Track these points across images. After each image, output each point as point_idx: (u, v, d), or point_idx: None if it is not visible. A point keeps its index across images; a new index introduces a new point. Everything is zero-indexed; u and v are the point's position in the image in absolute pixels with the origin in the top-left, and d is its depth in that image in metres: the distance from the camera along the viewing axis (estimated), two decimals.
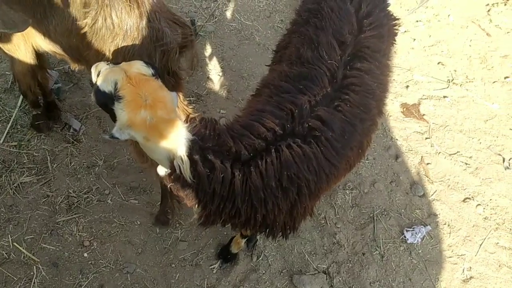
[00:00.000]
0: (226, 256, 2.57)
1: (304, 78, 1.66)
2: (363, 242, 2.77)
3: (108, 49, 1.72)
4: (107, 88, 1.34)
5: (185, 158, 1.34)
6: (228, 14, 3.74)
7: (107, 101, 1.35)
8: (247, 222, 1.59)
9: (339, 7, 1.88)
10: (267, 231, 1.78)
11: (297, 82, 1.67)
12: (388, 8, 2.08)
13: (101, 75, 1.38)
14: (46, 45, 2.04)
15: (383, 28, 1.91)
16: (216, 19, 3.69)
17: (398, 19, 2.15)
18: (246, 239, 2.47)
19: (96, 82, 1.40)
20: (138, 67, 1.37)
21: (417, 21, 4.02)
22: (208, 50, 3.47)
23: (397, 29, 2.12)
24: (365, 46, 1.77)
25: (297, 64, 1.75)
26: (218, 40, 3.53)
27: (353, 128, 1.65)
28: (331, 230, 2.78)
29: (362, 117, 1.69)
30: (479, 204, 3.00)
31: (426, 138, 3.28)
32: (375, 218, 2.86)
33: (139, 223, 2.64)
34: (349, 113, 1.63)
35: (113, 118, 1.38)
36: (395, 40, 2.11)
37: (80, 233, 2.55)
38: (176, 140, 1.33)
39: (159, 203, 2.61)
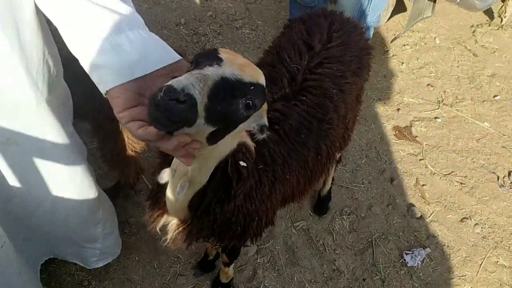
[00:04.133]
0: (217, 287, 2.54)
1: None
2: (363, 267, 2.76)
3: None
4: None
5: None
6: (219, 47, 3.80)
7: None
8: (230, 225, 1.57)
9: (311, 23, 2.00)
10: (242, 235, 1.72)
11: None
12: (358, 26, 2.18)
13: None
14: None
15: (350, 37, 1.99)
16: None
17: (364, 30, 2.26)
18: (231, 266, 2.44)
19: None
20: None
21: (404, 45, 4.10)
22: None
23: (366, 41, 2.19)
24: (331, 55, 1.86)
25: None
26: None
27: (310, 125, 1.71)
28: (330, 256, 2.77)
29: (319, 117, 1.74)
30: (476, 224, 3.01)
31: (420, 160, 3.31)
32: (373, 242, 2.86)
33: (137, 259, 2.63)
34: (305, 112, 1.70)
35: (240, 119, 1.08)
36: (368, 53, 2.16)
37: (78, 273, 2.53)
38: None
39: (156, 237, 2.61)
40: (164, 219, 1.54)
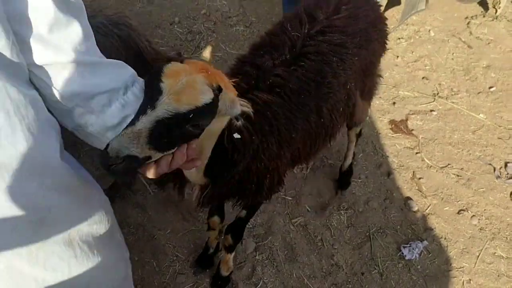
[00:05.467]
0: (217, 282, 2.55)
1: (265, 45, 1.86)
2: (361, 261, 2.77)
3: None
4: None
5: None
6: (213, 44, 3.81)
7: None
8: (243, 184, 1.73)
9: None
10: (254, 193, 1.87)
11: (258, 50, 1.87)
12: (371, 1, 2.28)
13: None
14: None
15: (359, 10, 2.06)
16: (201, 50, 3.76)
17: (380, 5, 2.34)
18: (233, 253, 2.46)
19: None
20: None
21: (398, 38, 4.11)
22: None
23: (378, 16, 2.25)
24: (334, 24, 1.94)
25: (261, 37, 1.98)
26: None
27: (308, 87, 1.81)
28: (328, 252, 2.78)
29: (318, 81, 1.83)
30: (473, 215, 3.02)
31: (417, 153, 3.32)
32: (371, 236, 2.87)
33: (136, 259, 2.64)
34: (304, 75, 1.79)
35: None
36: (376, 27, 2.21)
37: None
38: None
39: (154, 237, 2.61)
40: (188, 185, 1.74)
